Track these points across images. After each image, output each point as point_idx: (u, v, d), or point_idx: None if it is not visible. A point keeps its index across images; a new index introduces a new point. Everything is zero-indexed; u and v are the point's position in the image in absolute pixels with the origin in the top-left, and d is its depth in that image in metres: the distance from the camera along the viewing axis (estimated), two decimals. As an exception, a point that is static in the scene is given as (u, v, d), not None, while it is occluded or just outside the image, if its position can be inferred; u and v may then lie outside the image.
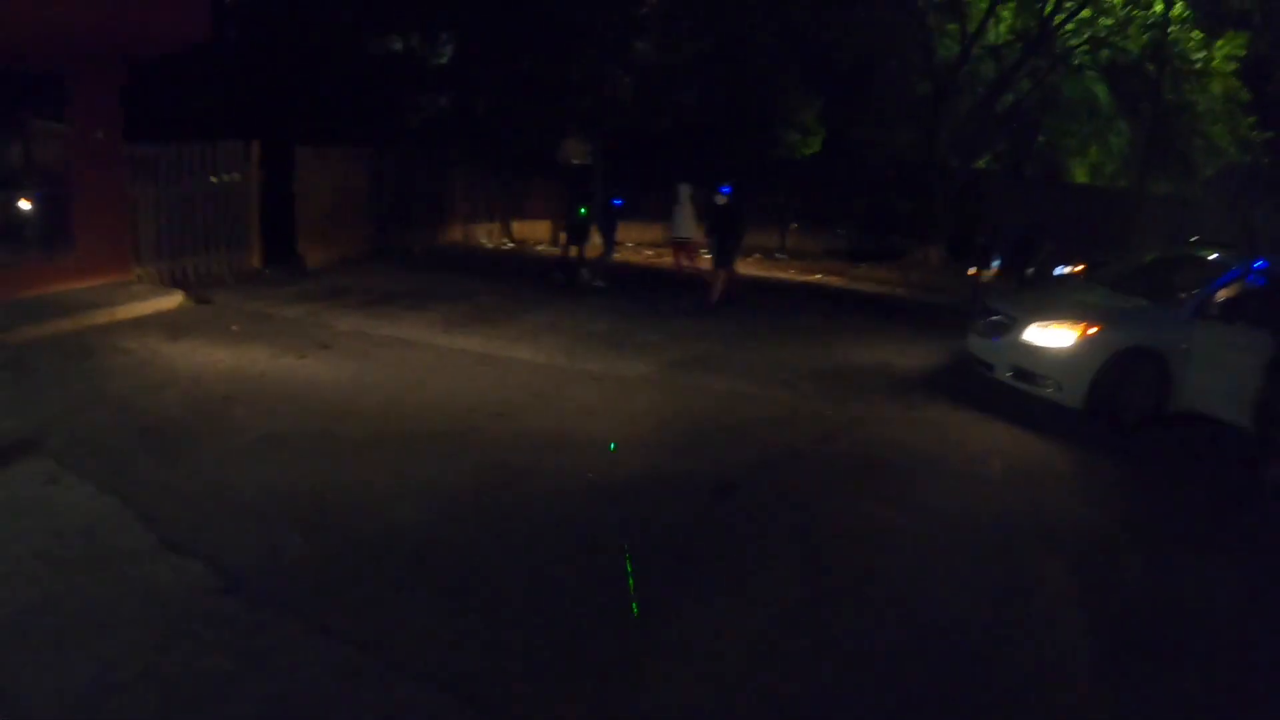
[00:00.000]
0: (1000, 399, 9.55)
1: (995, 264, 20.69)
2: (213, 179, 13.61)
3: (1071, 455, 8.43)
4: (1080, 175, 35.63)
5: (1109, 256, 20.25)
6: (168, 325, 10.71)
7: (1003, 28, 26.95)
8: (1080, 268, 18.83)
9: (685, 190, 16.10)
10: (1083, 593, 5.76)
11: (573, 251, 15.97)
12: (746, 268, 21.00)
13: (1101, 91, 30.41)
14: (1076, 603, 5.61)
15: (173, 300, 11.74)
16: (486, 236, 22.50)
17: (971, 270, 14.50)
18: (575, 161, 21.88)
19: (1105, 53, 27.67)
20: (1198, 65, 25.87)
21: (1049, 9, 25.19)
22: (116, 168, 11.76)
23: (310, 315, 11.89)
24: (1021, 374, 9.25)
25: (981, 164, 31.45)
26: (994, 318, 9.93)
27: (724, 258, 14.68)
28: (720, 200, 14.62)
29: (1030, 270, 19.46)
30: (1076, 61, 27.02)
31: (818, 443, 8.11)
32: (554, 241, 23.11)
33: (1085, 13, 25.49)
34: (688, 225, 16.23)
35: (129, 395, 8.10)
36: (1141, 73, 27.14)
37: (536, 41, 20.94)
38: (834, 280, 21.38)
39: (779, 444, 8.00)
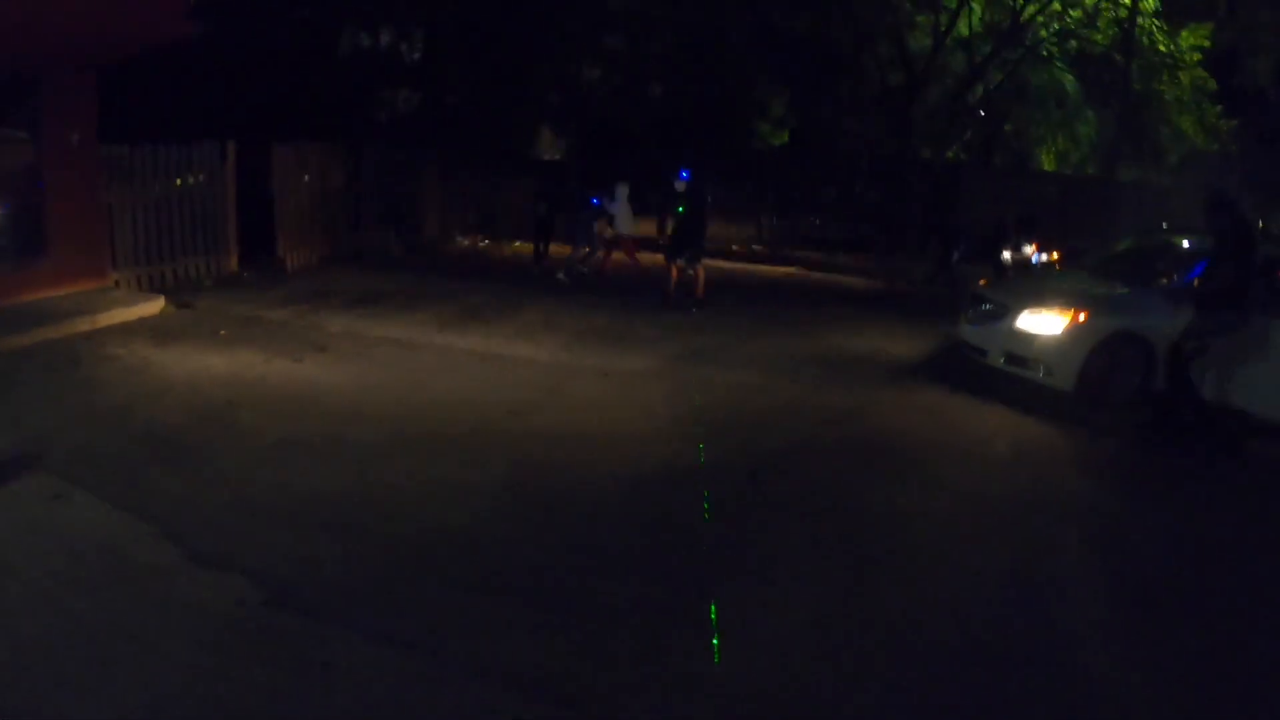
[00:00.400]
0: (994, 384, 9.71)
1: (956, 256, 20.79)
2: (189, 180, 13.18)
3: (1067, 435, 8.64)
4: (1047, 163, 35.85)
5: (1086, 244, 20.43)
6: (153, 331, 10.34)
7: (974, 19, 26.91)
8: (1057, 255, 18.90)
9: (623, 190, 16.29)
10: (1095, 555, 6.10)
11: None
12: (725, 260, 21.08)
13: (1069, 82, 30.57)
14: (1091, 565, 5.93)
15: (155, 306, 11.35)
16: (462, 234, 22.13)
17: (982, 281, 13.72)
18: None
19: (1073, 43, 27.76)
20: (1166, 58, 25.97)
21: (1020, 2, 25.14)
22: (91, 171, 11.35)
23: (298, 318, 11.56)
24: (1014, 359, 9.42)
25: (950, 154, 31.51)
26: (984, 306, 10.11)
27: (686, 251, 13.75)
28: (680, 186, 13.70)
29: (1006, 257, 19.33)
30: (1045, 52, 26.98)
31: (829, 429, 8.23)
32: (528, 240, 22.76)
33: (1055, 5, 25.43)
34: (625, 222, 16.52)
35: (126, 404, 7.75)
36: (1109, 63, 27.22)
37: (507, 36, 20.64)
38: (814, 273, 21.20)
39: (793, 432, 8.09)
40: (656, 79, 23.44)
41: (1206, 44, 26.96)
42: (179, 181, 13.04)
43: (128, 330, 10.29)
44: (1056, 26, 26.41)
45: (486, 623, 4.51)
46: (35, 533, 5.27)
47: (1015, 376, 9.48)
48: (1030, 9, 25.14)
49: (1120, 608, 5.31)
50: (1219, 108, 27.56)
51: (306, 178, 15.88)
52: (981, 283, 11.92)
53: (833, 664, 4.39)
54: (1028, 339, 9.30)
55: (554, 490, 6.34)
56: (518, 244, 22.16)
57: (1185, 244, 10.76)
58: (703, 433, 7.77)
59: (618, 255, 17.09)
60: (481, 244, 21.96)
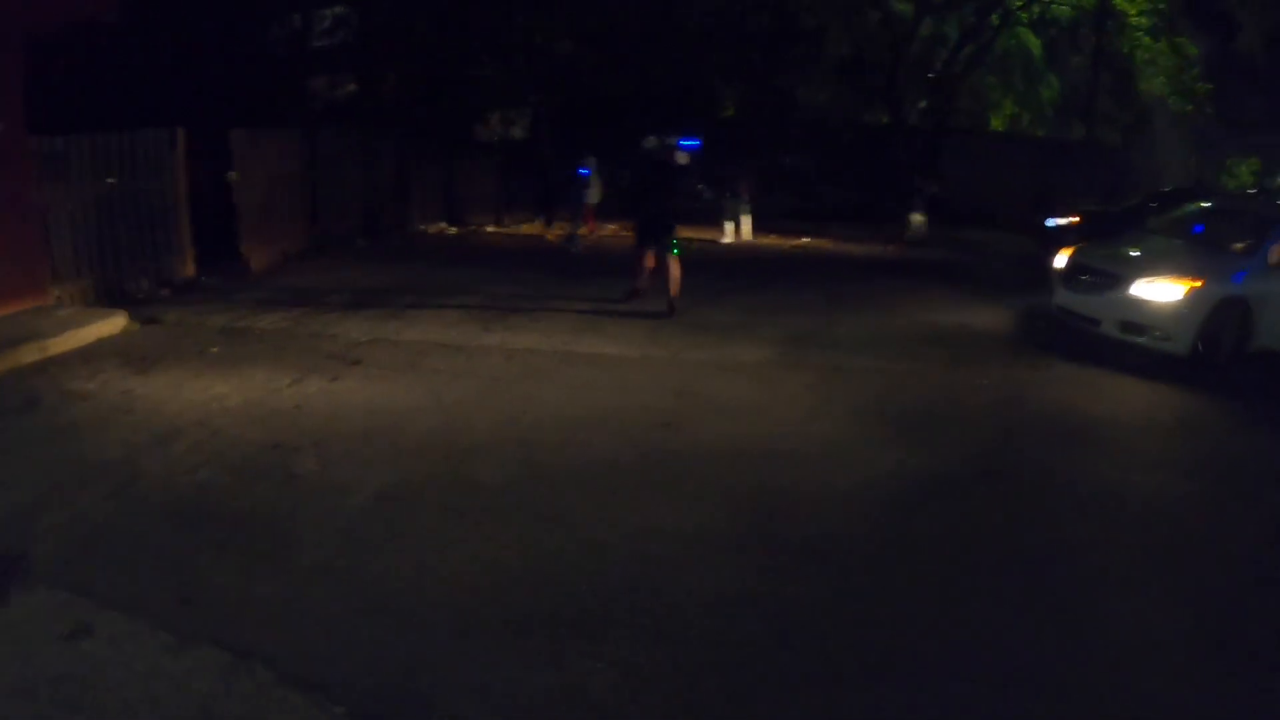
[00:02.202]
0: (1106, 352, 9.37)
1: (918, 214, 20.69)
2: (135, 174, 10.70)
3: (1212, 399, 8.35)
4: (997, 125, 35.14)
5: (1094, 207, 19.34)
6: (123, 355, 7.92)
7: None
8: (1076, 219, 17.92)
9: (592, 162, 16.93)
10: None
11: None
12: (709, 232, 19.38)
13: (1035, 45, 30.03)
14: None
15: (115, 323, 8.90)
16: (424, 222, 19.76)
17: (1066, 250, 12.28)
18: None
19: (1036, 8, 26.88)
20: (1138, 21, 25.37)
21: None
22: (21, 166, 8.86)
23: (298, 325, 9.27)
24: (1130, 327, 9.36)
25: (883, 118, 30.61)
26: (1085, 277, 10.08)
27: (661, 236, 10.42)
28: (682, 159, 11.25)
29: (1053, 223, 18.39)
30: (1024, 19, 25.94)
31: (1006, 411, 7.43)
32: (499, 224, 20.60)
33: None
34: (593, 193, 17.11)
35: (126, 460, 5.42)
36: (1080, 25, 26.46)
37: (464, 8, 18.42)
38: (823, 244, 19.50)
39: (979, 420, 7.16)
40: (624, 53, 21.19)
41: (1162, 5, 26.39)
42: (122, 176, 10.55)
43: (90, 356, 7.84)
44: None
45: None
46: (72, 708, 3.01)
47: (1127, 344, 9.35)
48: None
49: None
50: (1196, 70, 26.86)
51: (265, 167, 13.40)
52: (1065, 251, 11.11)
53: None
54: (1145, 307, 9.23)
55: (813, 531, 4.88)
56: (491, 229, 19.95)
57: (1249, 208, 11.84)
58: (893, 431, 6.65)
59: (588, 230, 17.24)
60: (449, 230, 19.64)
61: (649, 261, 10.42)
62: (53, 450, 5.57)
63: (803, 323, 10.22)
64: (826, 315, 10.75)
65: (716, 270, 11.75)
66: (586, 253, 15.89)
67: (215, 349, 8.18)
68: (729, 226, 19.04)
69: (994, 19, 25.64)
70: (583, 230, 16.99)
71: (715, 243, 17.79)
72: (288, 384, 7.06)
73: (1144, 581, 4.57)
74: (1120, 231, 12.77)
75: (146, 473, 5.23)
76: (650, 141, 10.12)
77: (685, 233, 11.08)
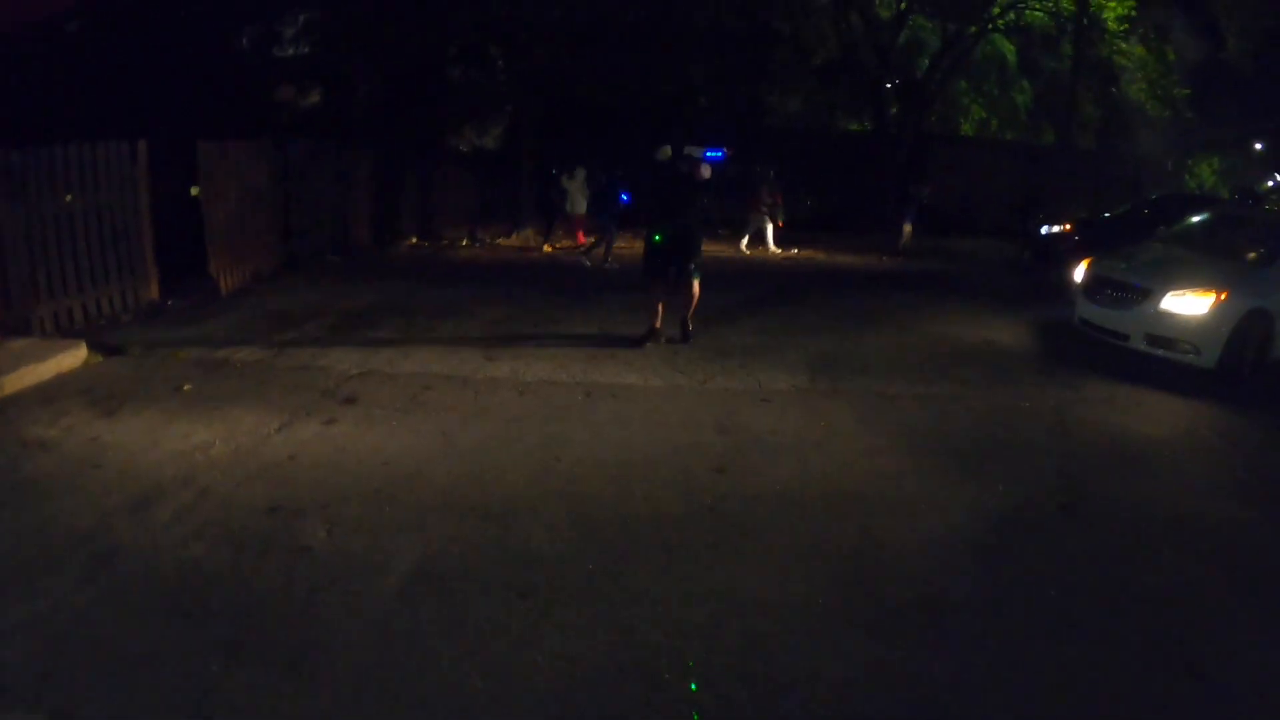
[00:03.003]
0: (1132, 366, 9.15)
1: (907, 225, 20.35)
2: (95, 189, 9.83)
3: (1246, 413, 8.02)
4: (967, 130, 34.91)
5: (1088, 214, 19.06)
6: (87, 393, 7.04)
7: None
8: (1069, 226, 17.66)
9: (580, 173, 16.92)
10: None
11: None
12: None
13: (1010, 51, 29.88)
14: None
15: (75, 355, 8.01)
16: (398, 237, 18.90)
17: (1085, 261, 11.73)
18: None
19: (1011, 15, 26.63)
20: (1116, 27, 25.22)
21: None
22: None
23: (280, 356, 8.41)
24: (1158, 341, 9.22)
25: (857, 126, 30.26)
26: (1109, 291, 9.90)
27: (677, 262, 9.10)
28: (706, 172, 9.00)
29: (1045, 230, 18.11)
30: (1001, 25, 25.67)
31: (1055, 437, 6.97)
32: (475, 238, 19.78)
33: None
34: (578, 203, 17.06)
35: (100, 529, 4.59)
36: (1057, 31, 26.35)
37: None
38: (815, 255, 18.91)
39: (1028, 447, 6.71)
40: (603, 59, 20.45)
41: (1133, 13, 26.29)
42: (81, 191, 9.67)
43: (50, 395, 6.96)
44: None
45: None
46: None
47: (1155, 357, 9.18)
48: None
49: None
50: (1175, 76, 26.80)
51: (234, 180, 12.53)
52: (1086, 263, 10.91)
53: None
54: (1173, 320, 9.10)
55: (914, 590, 4.37)
56: (466, 242, 19.14)
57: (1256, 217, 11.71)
58: (956, 465, 6.16)
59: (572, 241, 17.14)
60: (424, 245, 18.79)
61: (661, 291, 9.09)
62: (11, 518, 4.72)
63: (824, 343, 9.60)
64: (846, 334, 10.17)
65: (716, 285, 10.92)
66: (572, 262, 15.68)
67: (190, 385, 7.32)
68: (746, 238, 18.74)
69: (973, 29, 25.21)
70: (566, 243, 17.09)
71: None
72: (277, 428, 6.23)
73: (1262, 621, 4.30)
74: (1125, 241, 12.58)
75: (127, 547, 4.39)
76: (664, 152, 8.87)
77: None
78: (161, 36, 14.91)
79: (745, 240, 18.85)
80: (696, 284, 9.13)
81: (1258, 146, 34.80)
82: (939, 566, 4.58)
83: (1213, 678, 3.78)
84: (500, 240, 19.86)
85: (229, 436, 6.04)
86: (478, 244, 19.09)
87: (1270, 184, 26.50)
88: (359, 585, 4.03)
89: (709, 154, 9.22)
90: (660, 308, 9.06)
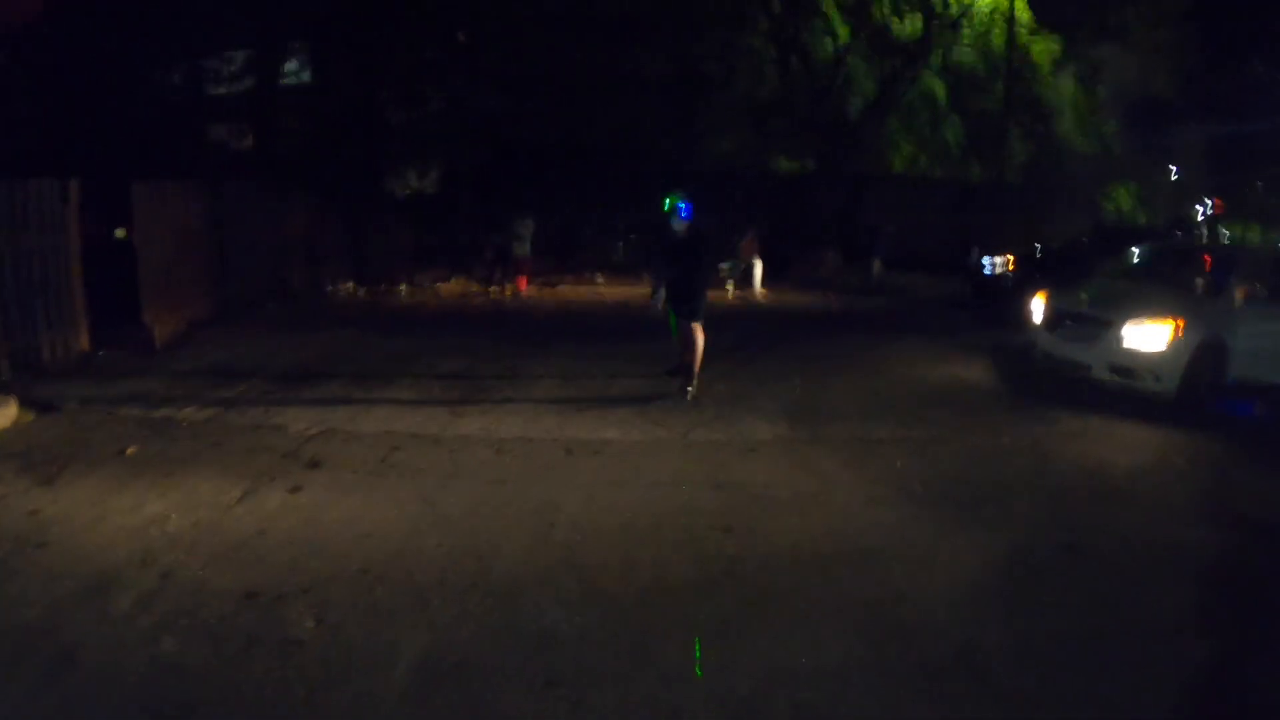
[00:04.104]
0: (1095, 396, 9.35)
1: (877, 261, 20.79)
2: (20, 232, 9.27)
3: (1212, 438, 8.25)
4: (898, 166, 35.42)
5: (1027, 248, 19.40)
6: (20, 458, 6.49)
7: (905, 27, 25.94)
8: (1011, 261, 17.91)
9: (529, 225, 17.08)
10: None
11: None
12: (641, 287, 18.73)
13: (940, 89, 30.39)
14: None
15: (5, 413, 7.44)
16: (333, 282, 18.31)
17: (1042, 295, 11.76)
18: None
19: (940, 54, 27.18)
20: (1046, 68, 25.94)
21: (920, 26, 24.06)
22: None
23: (228, 412, 7.94)
24: (1120, 370, 9.42)
25: (796, 165, 30.54)
26: (1070, 323, 10.12)
27: (681, 309, 9.28)
28: (678, 227, 9.08)
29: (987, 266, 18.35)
30: (936, 64, 26.14)
31: (1040, 475, 6.99)
32: (413, 284, 19.30)
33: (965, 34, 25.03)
34: (527, 247, 17.20)
35: (52, 623, 4.13)
36: (989, 73, 26.94)
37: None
38: (757, 297, 18.66)
39: (1017, 487, 6.65)
40: (542, 104, 20.24)
41: (1058, 52, 27.02)
42: (5, 233, 9.12)
43: (-23, 462, 6.36)
44: (950, 36, 25.40)
45: None
46: None
47: (1117, 386, 9.38)
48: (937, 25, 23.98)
49: None
50: (1104, 113, 27.68)
51: (169, 223, 11.96)
52: (1043, 297, 10.97)
53: None
54: (1134, 350, 9.32)
55: (945, 646, 4.19)
56: (403, 289, 18.63)
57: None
58: (954, 511, 6.05)
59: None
60: (361, 292, 18.24)
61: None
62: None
63: (794, 389, 9.48)
64: (813, 379, 10.04)
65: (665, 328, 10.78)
66: (519, 308, 15.64)
67: (135, 447, 6.81)
68: (730, 284, 18.44)
69: (910, 75, 25.65)
70: (506, 290, 17.06)
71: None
72: (238, 498, 5.75)
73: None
74: (1069, 274, 12.94)
75: (87, 645, 3.91)
76: (678, 224, 8.77)
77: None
78: (94, 72, 14.27)
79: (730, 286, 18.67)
80: (698, 333, 8.89)
81: (1172, 169, 36.06)
82: (964, 616, 4.48)
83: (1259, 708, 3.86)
84: (440, 285, 19.42)
85: (186, 508, 5.54)
86: (417, 290, 18.61)
87: (1199, 211, 27.31)
88: (364, 682, 3.62)
89: (681, 210, 8.94)
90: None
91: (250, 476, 6.14)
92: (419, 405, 8.16)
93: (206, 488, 5.91)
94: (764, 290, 18.55)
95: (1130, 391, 9.34)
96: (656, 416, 7.97)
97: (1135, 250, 12.89)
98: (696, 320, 8.92)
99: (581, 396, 8.64)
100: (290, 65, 19.27)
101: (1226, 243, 19.38)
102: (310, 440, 7.03)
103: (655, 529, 5.29)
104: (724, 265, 18.46)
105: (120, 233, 12.05)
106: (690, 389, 8.85)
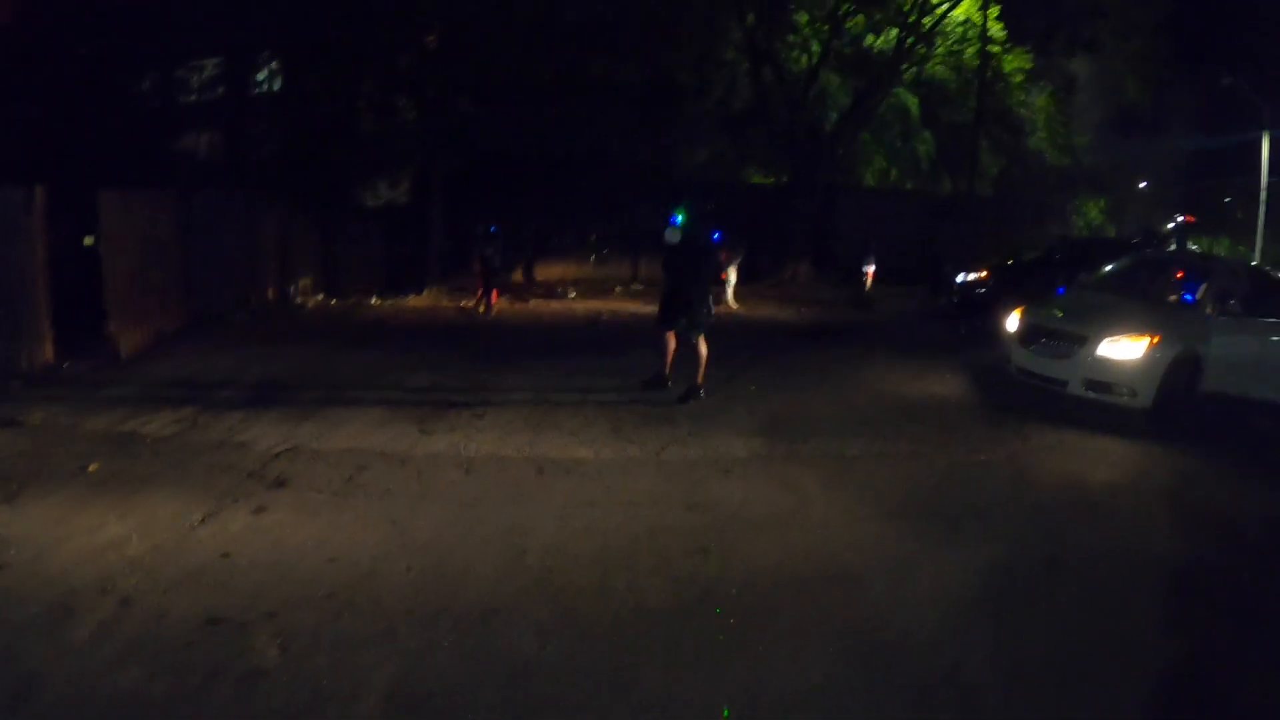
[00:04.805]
0: (1072, 411, 9.37)
1: (868, 270, 20.66)
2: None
3: (1186, 451, 8.35)
4: (870, 179, 35.57)
5: (1002, 260, 19.47)
6: (-22, 476, 6.31)
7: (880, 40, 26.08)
8: (984, 273, 17.93)
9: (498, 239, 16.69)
10: None
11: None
12: (615, 301, 19.31)
13: (913, 103, 30.61)
14: None
15: (-36, 430, 7.27)
16: (303, 293, 18.16)
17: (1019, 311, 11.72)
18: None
19: (912, 70, 27.33)
20: (1018, 80, 26.39)
21: (894, 39, 24.18)
22: None
23: (193, 429, 7.80)
24: (1097, 386, 9.44)
25: (769, 179, 30.62)
26: (1044, 339, 10.09)
27: (681, 318, 9.41)
28: (671, 236, 9.34)
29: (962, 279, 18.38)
30: (908, 78, 26.27)
31: (1021, 490, 7.02)
32: (384, 295, 19.18)
33: (938, 50, 25.31)
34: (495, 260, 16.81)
35: (11, 651, 4.04)
36: (961, 87, 27.29)
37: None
38: (733, 309, 18.66)
39: (999, 503, 6.65)
40: (517, 113, 20.10)
41: (1028, 66, 27.26)
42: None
43: (-64, 479, 6.22)
44: (923, 50, 25.51)
45: None
46: None
47: (1093, 402, 9.39)
48: (910, 39, 24.07)
49: None
50: (1075, 126, 27.93)
51: (137, 232, 11.80)
52: (1018, 311, 10.93)
53: None
54: (1110, 365, 9.36)
55: (933, 670, 4.16)
56: (374, 301, 18.48)
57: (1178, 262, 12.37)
58: (936, 528, 6.03)
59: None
60: (331, 303, 18.08)
61: (672, 343, 9.43)
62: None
63: (769, 403, 9.38)
64: (788, 393, 9.99)
65: (643, 342, 10.72)
66: (490, 321, 15.60)
67: (97, 464, 6.70)
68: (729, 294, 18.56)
69: (882, 91, 25.77)
70: (479, 303, 16.88)
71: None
72: (201, 519, 5.64)
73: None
74: (1043, 285, 13.28)
75: (47, 675, 3.81)
76: (670, 232, 9.08)
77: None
78: (58, 78, 14.06)
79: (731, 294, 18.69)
80: (701, 344, 9.15)
81: (1142, 185, 36.42)
82: (949, 636, 4.46)
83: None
84: (411, 298, 19.29)
85: (148, 530, 5.43)
86: (387, 302, 18.47)
87: (1172, 225, 27.59)
88: (331, 715, 3.53)
89: (674, 219, 9.15)
90: (670, 356, 9.44)
91: (214, 496, 6.03)
92: (388, 422, 8.05)
93: (168, 508, 5.79)
94: (737, 302, 18.56)
95: (1105, 405, 9.36)
96: (630, 434, 7.89)
97: (1110, 264, 12.77)
98: (698, 334, 9.16)
99: (553, 412, 8.54)
100: (262, 75, 19.04)
101: (1196, 255, 19.51)
102: (276, 458, 6.92)
103: (630, 552, 5.22)
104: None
105: (89, 240, 11.87)
106: (693, 399, 9.13)
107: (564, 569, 4.93)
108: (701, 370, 9.24)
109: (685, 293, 9.23)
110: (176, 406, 8.50)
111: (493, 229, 16.21)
